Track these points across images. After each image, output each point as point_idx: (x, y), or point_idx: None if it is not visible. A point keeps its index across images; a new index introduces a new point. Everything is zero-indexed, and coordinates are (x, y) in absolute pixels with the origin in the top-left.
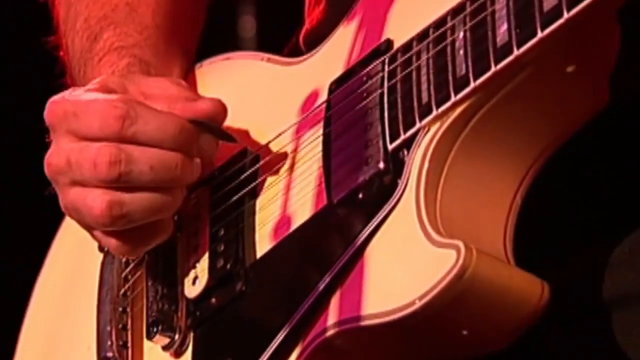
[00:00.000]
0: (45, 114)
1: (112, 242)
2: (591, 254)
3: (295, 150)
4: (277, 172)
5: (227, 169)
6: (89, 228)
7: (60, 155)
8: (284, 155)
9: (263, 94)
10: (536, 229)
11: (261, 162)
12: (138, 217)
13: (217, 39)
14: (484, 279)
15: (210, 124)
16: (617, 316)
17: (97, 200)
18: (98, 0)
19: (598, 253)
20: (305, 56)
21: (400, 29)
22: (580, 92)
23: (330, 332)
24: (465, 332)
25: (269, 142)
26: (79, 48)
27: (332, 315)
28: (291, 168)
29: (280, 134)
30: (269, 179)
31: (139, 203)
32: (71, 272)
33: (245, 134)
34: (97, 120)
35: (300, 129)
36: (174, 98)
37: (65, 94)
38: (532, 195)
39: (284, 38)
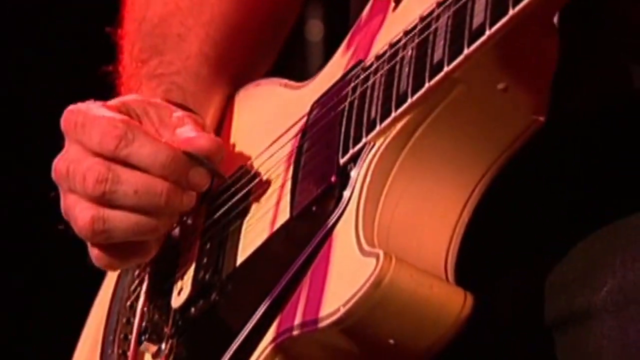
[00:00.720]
0: (62, 120)
1: (94, 252)
2: (535, 273)
3: (282, 169)
4: (266, 190)
5: (225, 188)
6: (81, 237)
7: (64, 162)
8: (273, 174)
9: (273, 117)
10: (483, 246)
11: (254, 182)
12: (119, 235)
13: (285, 44)
14: (402, 288)
15: (203, 160)
16: (558, 336)
17: (83, 212)
18: (153, 32)
19: (541, 272)
20: (309, 81)
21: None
22: (516, 109)
23: (278, 339)
24: (392, 342)
25: (264, 162)
26: (129, 73)
27: (279, 324)
28: (276, 186)
29: (272, 155)
30: (260, 197)
31: (121, 222)
32: (108, 282)
33: (247, 153)
34: (97, 136)
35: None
36: (181, 129)
37: (84, 104)
38: (480, 213)
39: None
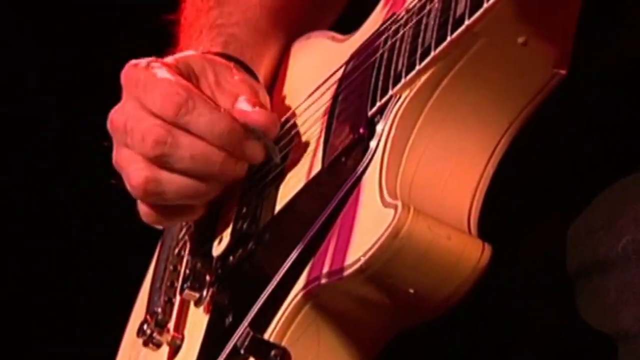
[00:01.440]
0: (123, 73)
1: (144, 209)
2: (557, 226)
3: (319, 119)
4: (303, 141)
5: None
6: (132, 194)
7: (122, 116)
8: (311, 125)
9: (319, 68)
10: (507, 200)
11: (294, 133)
12: (170, 198)
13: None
14: (419, 238)
15: (260, 133)
16: (582, 284)
17: (137, 171)
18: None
19: (563, 226)
20: (352, 33)
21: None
22: (537, 62)
23: (309, 287)
24: (412, 291)
25: (303, 112)
26: (190, 21)
27: (309, 272)
28: (313, 137)
29: (311, 105)
30: (299, 148)
31: (174, 185)
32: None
33: (293, 103)
34: (159, 100)
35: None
36: (240, 99)
37: (146, 61)
38: (504, 167)
39: None
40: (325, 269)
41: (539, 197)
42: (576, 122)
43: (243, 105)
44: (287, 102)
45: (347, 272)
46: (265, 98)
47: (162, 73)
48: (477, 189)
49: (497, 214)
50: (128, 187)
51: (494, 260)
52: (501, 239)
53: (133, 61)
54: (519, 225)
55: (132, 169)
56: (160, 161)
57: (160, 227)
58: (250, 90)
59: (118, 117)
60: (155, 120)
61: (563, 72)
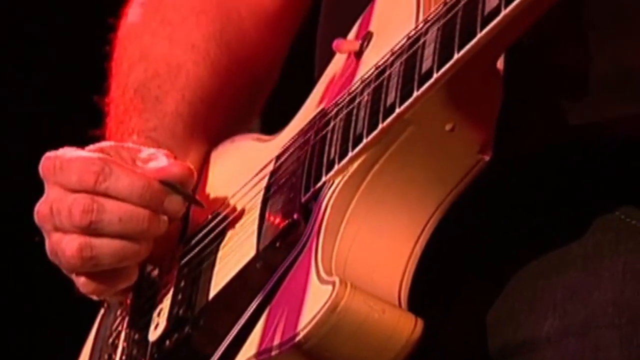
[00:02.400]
0: (40, 167)
1: (81, 280)
2: (484, 302)
3: (251, 209)
4: (236, 230)
5: (201, 228)
6: (67, 272)
7: (46, 204)
8: (243, 215)
9: (246, 167)
10: (436, 275)
11: (226, 222)
12: (106, 262)
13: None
14: (356, 312)
15: (176, 186)
16: None
17: (70, 243)
18: (134, 96)
19: (490, 302)
20: (277, 133)
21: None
22: (463, 148)
23: None
24: None
25: (235, 204)
26: (111, 132)
27: (245, 353)
28: (246, 225)
29: (242, 197)
30: (231, 236)
31: (107, 249)
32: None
33: (221, 199)
34: (76, 174)
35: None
36: (153, 160)
37: (59, 151)
38: (433, 245)
39: None
40: (263, 347)
41: (465, 273)
42: (499, 202)
43: (158, 162)
44: (217, 196)
45: (284, 348)
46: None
47: (75, 153)
48: (407, 266)
49: (425, 290)
50: (64, 263)
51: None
52: (429, 314)
53: (47, 153)
54: (447, 300)
55: (65, 242)
56: (90, 229)
57: (97, 297)
58: (166, 155)
59: (43, 207)
60: (77, 194)
61: (487, 157)
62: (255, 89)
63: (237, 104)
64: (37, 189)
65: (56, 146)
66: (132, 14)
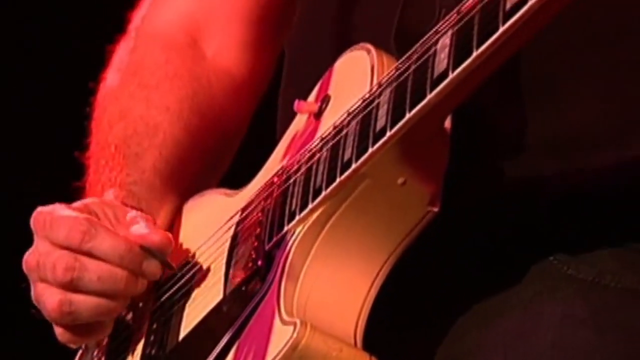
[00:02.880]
0: (31, 220)
1: (59, 330)
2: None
3: (219, 257)
4: (205, 276)
5: (172, 276)
6: (49, 320)
7: (34, 256)
8: (212, 262)
9: (214, 218)
10: (389, 317)
11: (195, 269)
12: (83, 317)
13: None
14: (316, 351)
15: (155, 252)
16: None
17: (51, 296)
18: (115, 152)
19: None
20: (242, 188)
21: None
22: (413, 200)
23: None
24: None
25: (204, 253)
26: (92, 183)
27: None
28: (213, 272)
29: (211, 246)
30: (200, 282)
31: (86, 305)
32: None
33: (192, 248)
34: (64, 232)
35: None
36: (135, 225)
37: (51, 207)
38: (386, 289)
39: None
40: None
41: (417, 317)
42: (448, 250)
43: (139, 228)
44: (187, 246)
45: None
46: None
47: (64, 212)
48: (362, 308)
49: (380, 330)
50: (45, 313)
51: None
52: (382, 355)
53: (39, 208)
54: (399, 342)
55: (47, 295)
56: (72, 285)
57: (74, 346)
58: (146, 220)
59: (31, 258)
60: (62, 251)
61: (436, 209)
62: (224, 147)
63: (207, 160)
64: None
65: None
66: (111, 78)
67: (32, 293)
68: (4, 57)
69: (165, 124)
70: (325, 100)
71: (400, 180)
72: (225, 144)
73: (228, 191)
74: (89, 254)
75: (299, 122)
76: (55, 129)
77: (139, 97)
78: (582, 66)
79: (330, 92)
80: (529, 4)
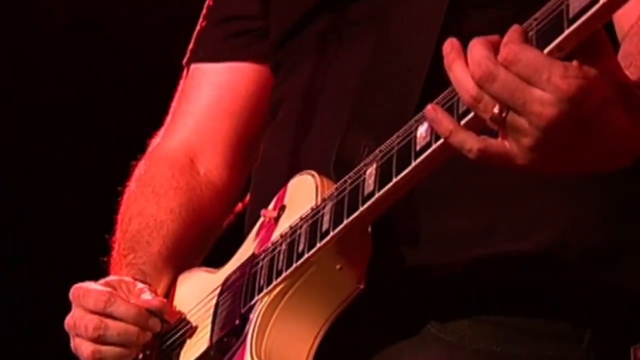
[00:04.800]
0: (70, 294)
1: None
2: None
3: (206, 317)
4: (195, 330)
5: (172, 329)
6: None
7: (72, 318)
8: (200, 321)
9: (200, 290)
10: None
11: (188, 326)
12: None
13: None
14: None
15: (157, 312)
16: None
17: (86, 348)
18: (131, 239)
19: None
20: (220, 267)
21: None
22: (347, 281)
23: None
24: None
25: (194, 314)
26: (114, 262)
27: None
28: (202, 327)
29: (200, 309)
30: (192, 334)
31: (110, 353)
32: None
33: (185, 310)
34: (92, 301)
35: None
36: (143, 294)
37: (84, 283)
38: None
39: None
40: None
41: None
42: (370, 318)
43: (145, 296)
44: (180, 309)
45: None
46: (160, 296)
47: (92, 286)
48: (308, 353)
49: None
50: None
51: None
52: None
53: (75, 285)
54: None
55: (83, 347)
56: (99, 340)
57: None
58: (150, 291)
59: (70, 320)
60: (92, 315)
61: (362, 286)
62: (208, 236)
63: (195, 246)
64: None
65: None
66: (132, 186)
67: (72, 345)
68: (68, 163)
69: (169, 221)
70: (281, 208)
71: (338, 266)
72: (209, 234)
73: (209, 269)
74: (111, 316)
75: (263, 223)
76: (93, 220)
77: (152, 201)
78: (461, 186)
79: (286, 203)
80: (433, 147)
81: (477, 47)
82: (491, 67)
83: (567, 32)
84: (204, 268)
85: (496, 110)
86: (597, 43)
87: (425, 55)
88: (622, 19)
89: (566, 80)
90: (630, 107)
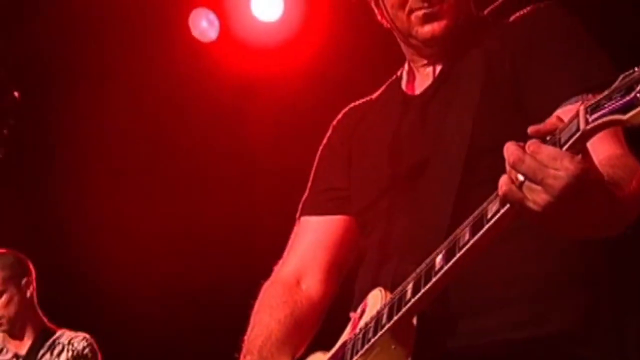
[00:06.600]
0: None
1: None
2: None
3: None
4: None
5: None
6: None
7: None
8: None
9: None
10: None
11: None
12: None
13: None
14: None
15: None
16: None
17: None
18: (250, 348)
19: None
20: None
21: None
22: (401, 354)
23: None
24: None
25: None
26: (244, 353)
27: None
28: None
29: None
30: None
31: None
32: None
33: None
34: None
35: None
36: None
37: None
38: None
39: None
40: None
41: None
42: None
43: None
44: None
45: None
46: None
47: None
48: None
49: None
50: None
51: None
52: None
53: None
54: None
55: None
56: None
57: None
58: None
59: None
60: None
61: (409, 358)
62: (306, 335)
63: (297, 344)
64: None
65: None
66: (259, 300)
67: None
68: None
69: (276, 330)
70: (362, 313)
71: (393, 347)
72: (306, 334)
73: (325, 352)
74: None
75: (352, 321)
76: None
77: (267, 312)
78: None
79: (366, 308)
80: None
81: (511, 145)
82: (521, 154)
83: (571, 140)
84: (319, 352)
85: (521, 178)
86: (586, 150)
87: (444, 219)
88: (594, 150)
89: (573, 164)
90: (604, 190)
